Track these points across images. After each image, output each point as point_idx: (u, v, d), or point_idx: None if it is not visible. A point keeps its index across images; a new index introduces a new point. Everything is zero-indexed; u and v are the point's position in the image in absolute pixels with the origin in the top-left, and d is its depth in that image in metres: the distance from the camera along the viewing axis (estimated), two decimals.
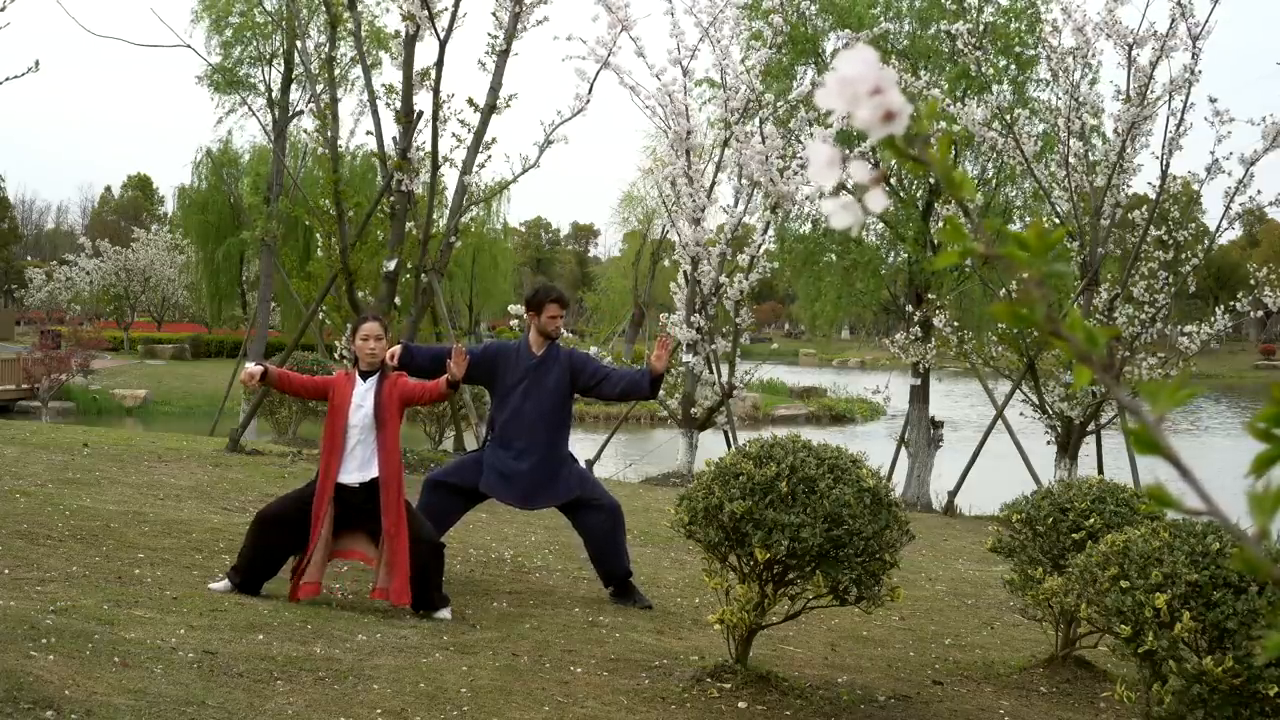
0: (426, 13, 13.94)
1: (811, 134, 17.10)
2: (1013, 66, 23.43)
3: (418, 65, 14.27)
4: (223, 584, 7.53)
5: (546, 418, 8.58)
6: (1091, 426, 17.24)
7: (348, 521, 7.63)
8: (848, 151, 1.19)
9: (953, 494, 18.39)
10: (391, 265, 14.21)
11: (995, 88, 19.28)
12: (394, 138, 14.37)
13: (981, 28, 17.65)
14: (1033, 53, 22.96)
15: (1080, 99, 16.50)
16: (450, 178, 14.84)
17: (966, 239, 1.10)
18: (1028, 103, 22.38)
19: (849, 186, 1.21)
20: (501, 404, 8.63)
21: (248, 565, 7.54)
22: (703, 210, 17.74)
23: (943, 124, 18.37)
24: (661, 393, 18.55)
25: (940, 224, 20.89)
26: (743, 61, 18.61)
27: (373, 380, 7.72)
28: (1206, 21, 15.70)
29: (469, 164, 14.51)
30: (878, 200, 1.18)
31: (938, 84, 21.61)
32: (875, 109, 1.15)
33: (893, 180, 23.77)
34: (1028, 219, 23.65)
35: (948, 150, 1.12)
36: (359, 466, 7.59)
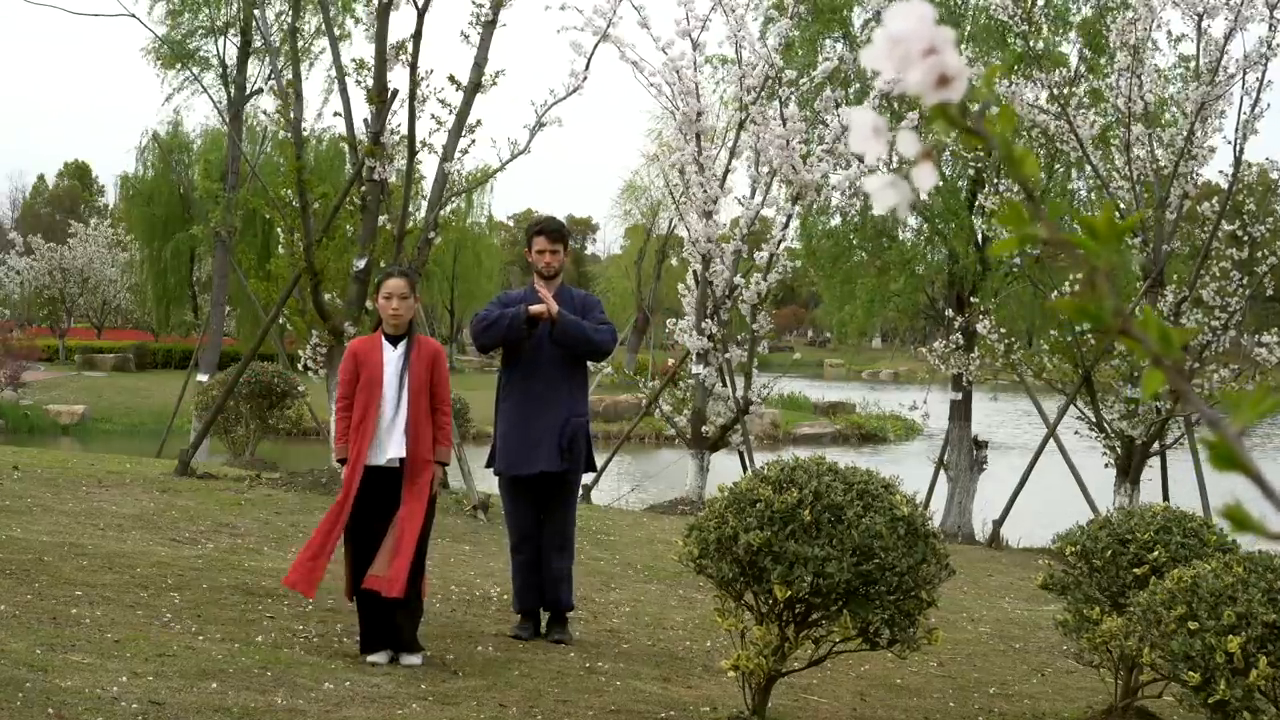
0: None
1: (838, 115, 17.08)
2: (1078, 43, 23.42)
3: (392, 38, 14.29)
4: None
5: (564, 363, 8.79)
6: (1155, 447, 17.22)
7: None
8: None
9: (998, 524, 18.38)
10: (362, 264, 14.22)
11: (1053, 62, 19.23)
12: (365, 119, 14.37)
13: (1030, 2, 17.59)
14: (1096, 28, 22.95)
15: (1143, 76, 16.49)
16: (429, 165, 14.82)
17: (1027, 224, 1.10)
18: (1101, 74, 22.36)
19: (893, 163, 1.21)
20: (513, 355, 8.76)
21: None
22: (715, 202, 17.74)
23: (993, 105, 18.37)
24: (669, 408, 18.56)
25: (986, 216, 20.90)
26: (761, 36, 18.61)
27: (402, 345, 7.77)
28: None
29: (450, 149, 14.52)
30: (927, 177, 1.17)
31: (983, 60, 21.61)
32: (929, 71, 1.14)
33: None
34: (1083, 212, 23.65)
35: (1010, 122, 1.12)
36: (396, 444, 7.65)
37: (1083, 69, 21.40)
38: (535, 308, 8.51)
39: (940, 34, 1.15)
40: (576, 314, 8.82)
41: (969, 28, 24.02)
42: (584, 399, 9.01)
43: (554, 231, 8.88)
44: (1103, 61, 22.74)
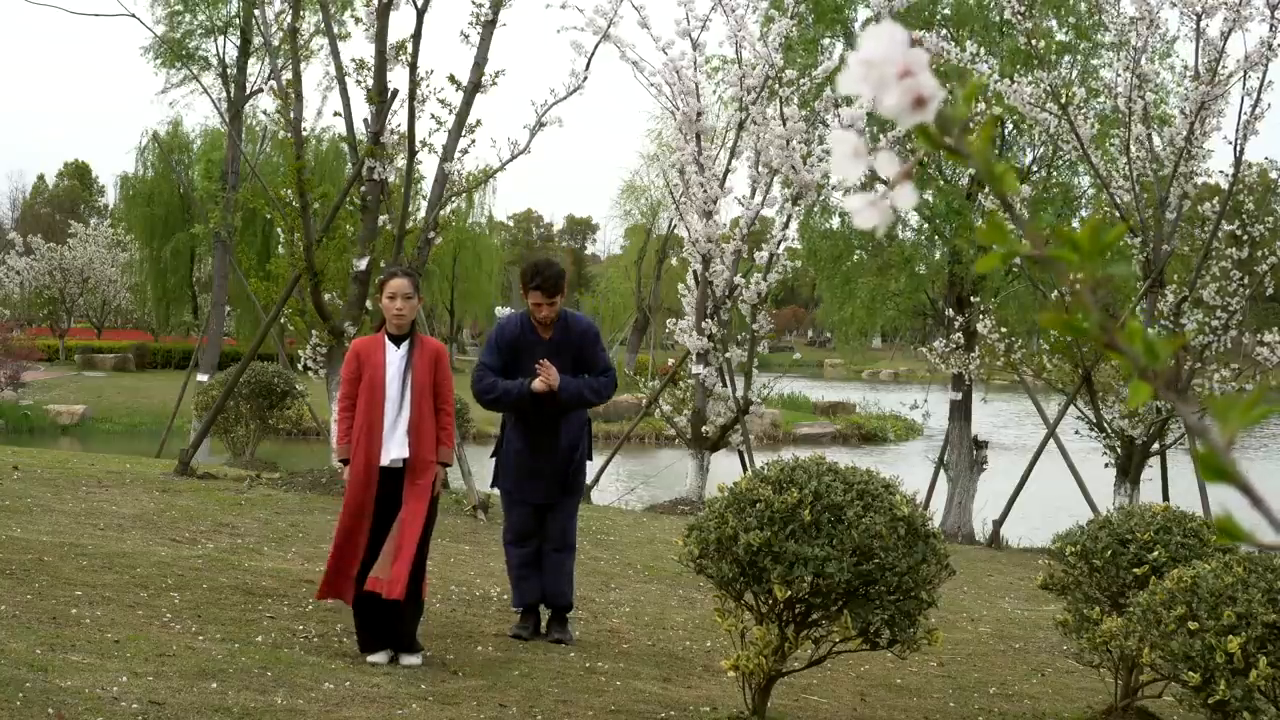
0: None
1: (838, 115, 17.09)
2: (1071, 36, 23.43)
3: (392, 37, 14.30)
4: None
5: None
6: (1156, 447, 17.22)
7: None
8: (880, 137, 1.20)
9: (998, 524, 18.38)
10: (363, 264, 14.22)
11: (1053, 61, 19.25)
12: (365, 119, 14.38)
13: None
14: (1092, 21, 22.96)
15: (1142, 75, 16.49)
16: (429, 165, 14.86)
17: (1010, 239, 1.11)
18: (1094, 72, 22.33)
19: (877, 180, 1.22)
20: (515, 376, 8.77)
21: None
22: (715, 202, 17.75)
23: (983, 107, 18.38)
24: (669, 408, 18.57)
25: (982, 219, 20.89)
26: (761, 36, 18.60)
27: (405, 346, 7.77)
28: None
29: (450, 149, 14.54)
30: (907, 197, 1.18)
31: (985, 58, 21.60)
32: (904, 94, 1.16)
33: (931, 167, 23.78)
34: (1084, 213, 23.65)
35: (989, 138, 1.13)
36: (398, 445, 7.66)
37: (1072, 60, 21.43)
38: (537, 386, 8.50)
39: (915, 56, 1.16)
40: (575, 350, 8.75)
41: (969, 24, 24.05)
42: (584, 411, 9.03)
43: (550, 287, 8.59)
44: (1094, 48, 22.78)
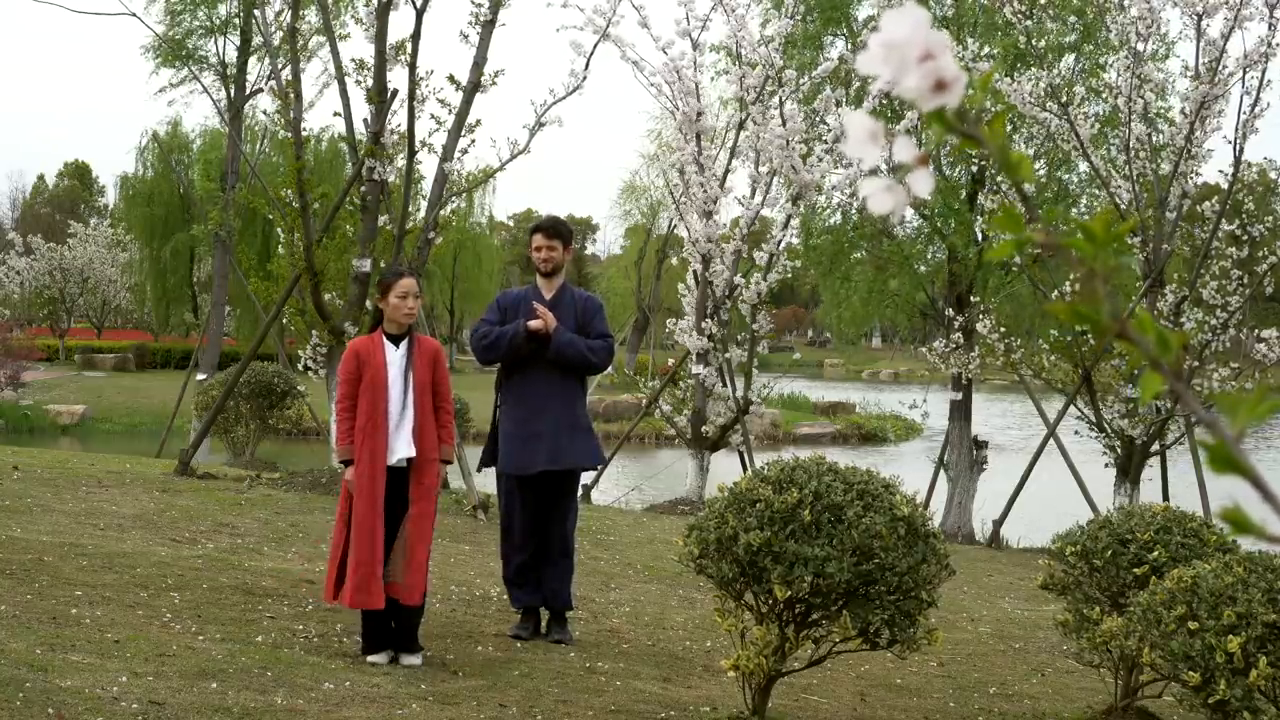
0: None
1: (839, 113, 17.08)
2: (1075, 35, 23.40)
3: (392, 37, 14.30)
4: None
5: (562, 365, 8.80)
6: (1155, 447, 17.21)
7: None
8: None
9: (998, 523, 18.38)
10: (367, 265, 14.21)
11: (1054, 59, 19.23)
12: (365, 119, 14.38)
13: None
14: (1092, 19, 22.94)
15: (1143, 75, 16.48)
16: (429, 165, 14.85)
17: (1023, 228, 1.10)
18: (1097, 72, 22.31)
19: (891, 167, 1.21)
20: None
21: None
22: (715, 202, 17.75)
23: (990, 103, 18.37)
24: (669, 408, 18.56)
25: (986, 216, 20.89)
26: (762, 28, 18.58)
27: (404, 345, 7.79)
28: None
29: (450, 149, 14.53)
30: (924, 182, 1.17)
31: (985, 56, 21.60)
32: (925, 77, 1.14)
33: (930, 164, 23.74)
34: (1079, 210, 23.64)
35: (1004, 126, 1.12)
36: (405, 444, 7.65)
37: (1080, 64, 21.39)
38: (533, 324, 8.54)
39: (936, 39, 1.15)
40: (577, 316, 8.82)
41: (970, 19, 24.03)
42: (583, 399, 9.02)
43: (550, 228, 8.97)
44: (1097, 50, 22.74)
